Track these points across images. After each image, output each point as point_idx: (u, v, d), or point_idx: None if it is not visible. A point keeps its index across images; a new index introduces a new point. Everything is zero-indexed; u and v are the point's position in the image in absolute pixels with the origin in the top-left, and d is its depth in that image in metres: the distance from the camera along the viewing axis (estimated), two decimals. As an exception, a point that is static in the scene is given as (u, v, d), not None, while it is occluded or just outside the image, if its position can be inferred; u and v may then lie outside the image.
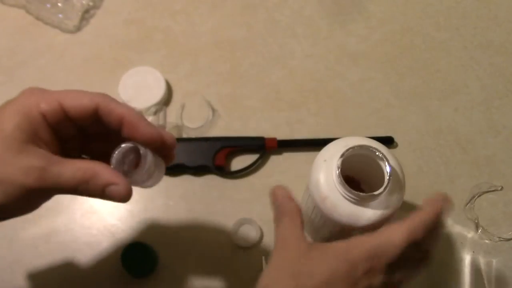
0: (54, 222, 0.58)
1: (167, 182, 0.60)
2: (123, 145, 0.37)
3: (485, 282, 0.57)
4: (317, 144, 0.58)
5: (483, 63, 0.69)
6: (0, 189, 0.33)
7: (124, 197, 0.36)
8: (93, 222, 0.58)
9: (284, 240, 0.39)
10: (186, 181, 0.61)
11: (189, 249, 0.57)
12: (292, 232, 0.39)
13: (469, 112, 0.66)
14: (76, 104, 0.36)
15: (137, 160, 0.37)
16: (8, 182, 0.33)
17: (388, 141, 0.63)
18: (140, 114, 0.38)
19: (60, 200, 0.58)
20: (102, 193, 0.35)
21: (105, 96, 0.37)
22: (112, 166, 0.36)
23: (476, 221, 0.59)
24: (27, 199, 0.34)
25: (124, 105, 0.38)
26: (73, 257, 0.56)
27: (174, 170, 0.60)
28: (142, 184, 0.38)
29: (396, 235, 0.36)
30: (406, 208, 0.59)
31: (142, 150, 0.36)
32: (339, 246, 0.37)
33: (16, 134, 0.34)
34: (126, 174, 0.36)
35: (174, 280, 0.56)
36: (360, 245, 0.37)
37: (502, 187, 0.61)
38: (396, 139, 0.63)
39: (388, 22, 0.72)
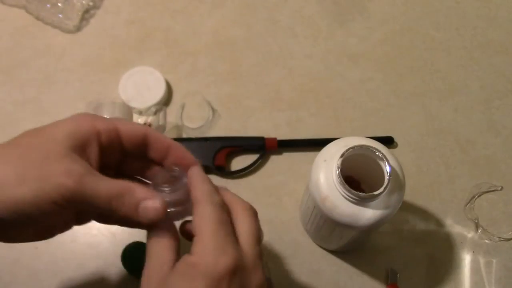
0: (54, 222, 0.58)
1: (167, 182, 0.60)
2: (164, 170, 0.40)
3: (485, 282, 0.57)
4: (317, 144, 0.58)
5: (483, 63, 0.69)
6: (39, 185, 0.33)
7: (158, 212, 0.36)
8: (93, 222, 0.58)
9: (149, 265, 0.38)
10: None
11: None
12: (157, 258, 0.38)
13: (469, 112, 0.66)
14: (130, 129, 0.39)
15: (173, 185, 0.39)
16: (47, 180, 0.33)
17: (388, 141, 0.63)
18: (182, 146, 0.41)
19: (60, 200, 0.59)
20: (136, 208, 0.36)
21: (149, 127, 0.43)
22: (151, 188, 0.38)
23: (476, 221, 0.59)
24: (58, 208, 0.34)
25: (167, 136, 0.42)
26: (73, 257, 0.56)
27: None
28: (176, 208, 0.39)
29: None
30: (406, 208, 0.59)
31: (184, 178, 0.39)
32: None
33: (65, 141, 0.35)
34: (164, 195, 0.38)
35: (174, 280, 0.56)
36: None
37: (502, 187, 0.61)
38: (396, 139, 0.63)
39: (388, 22, 0.72)
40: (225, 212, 0.38)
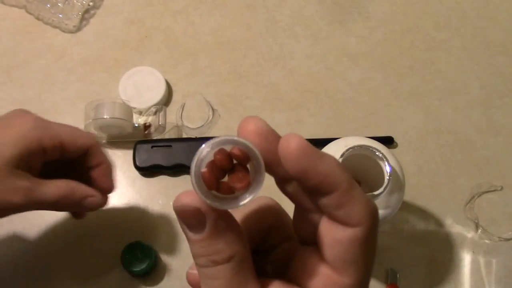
0: (54, 222, 0.58)
1: (167, 182, 0.61)
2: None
3: (485, 282, 0.57)
4: (317, 144, 0.57)
5: (483, 63, 0.69)
6: None
7: (101, 205, 0.46)
8: (93, 222, 0.58)
9: None
10: (186, 181, 0.61)
11: (189, 249, 0.57)
12: None
13: (469, 112, 0.66)
14: (74, 144, 0.44)
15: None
16: None
17: (388, 141, 0.63)
18: (110, 169, 0.48)
19: (60, 200, 0.59)
20: (79, 204, 0.44)
21: (95, 140, 0.46)
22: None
23: (476, 221, 0.59)
24: (12, 213, 0.41)
25: (105, 155, 0.48)
26: (73, 257, 0.56)
27: (174, 170, 0.60)
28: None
29: None
30: (406, 208, 0.59)
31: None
32: None
33: (11, 161, 0.39)
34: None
35: (174, 280, 0.56)
36: None
37: (502, 187, 0.61)
38: (396, 139, 0.63)
39: (388, 22, 0.72)
40: None
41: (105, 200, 0.47)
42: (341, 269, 0.23)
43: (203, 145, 0.22)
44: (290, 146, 0.22)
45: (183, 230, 0.24)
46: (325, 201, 0.23)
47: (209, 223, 0.22)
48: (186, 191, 0.23)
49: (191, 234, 0.23)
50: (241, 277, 0.23)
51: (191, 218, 0.23)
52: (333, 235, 0.23)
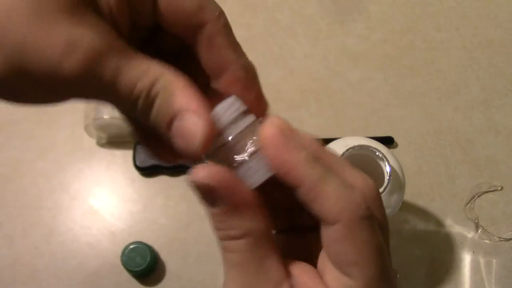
0: (54, 222, 0.58)
1: (167, 182, 0.60)
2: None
3: (485, 282, 0.57)
4: (317, 144, 0.58)
5: (483, 63, 0.69)
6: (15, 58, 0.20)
7: (200, 140, 0.21)
8: (93, 222, 0.58)
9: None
10: (186, 181, 0.61)
11: (189, 249, 0.57)
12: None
13: (469, 112, 0.66)
14: (176, 10, 0.23)
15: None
16: (34, 53, 0.20)
17: (388, 141, 0.63)
18: (250, 75, 0.26)
19: (60, 200, 0.59)
20: (168, 120, 0.22)
21: (222, 15, 0.24)
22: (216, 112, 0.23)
23: (476, 221, 0.59)
24: (51, 88, 0.21)
25: (237, 49, 0.26)
26: (73, 257, 0.56)
27: (174, 170, 0.60)
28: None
29: None
30: (406, 208, 0.59)
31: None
32: None
33: None
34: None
35: (174, 280, 0.56)
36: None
37: (502, 187, 0.61)
38: (396, 139, 0.63)
39: (388, 22, 0.72)
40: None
41: (208, 132, 0.21)
42: (343, 270, 0.22)
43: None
44: (268, 131, 0.22)
45: (203, 202, 0.23)
46: (298, 196, 0.22)
47: (223, 199, 0.22)
48: (202, 165, 0.22)
49: (209, 207, 0.23)
50: (258, 254, 0.23)
51: (207, 193, 0.22)
52: (323, 233, 0.22)
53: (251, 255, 0.22)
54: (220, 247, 0.24)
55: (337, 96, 0.66)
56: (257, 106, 0.25)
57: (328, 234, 0.22)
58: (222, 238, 0.23)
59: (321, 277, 0.23)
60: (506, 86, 0.68)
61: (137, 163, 0.60)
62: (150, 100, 0.21)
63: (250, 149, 0.23)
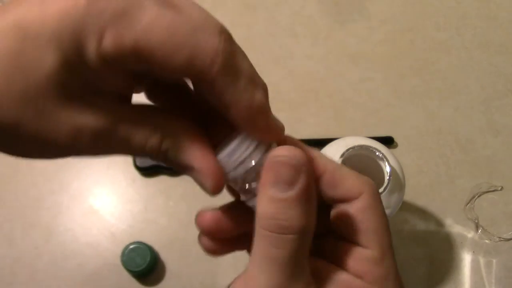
0: (54, 222, 0.58)
1: (167, 182, 0.60)
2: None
3: (485, 282, 0.57)
4: (317, 144, 0.58)
5: (483, 63, 0.69)
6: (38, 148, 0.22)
7: (209, 191, 0.24)
8: (93, 222, 0.58)
9: None
10: (186, 181, 0.60)
11: (189, 249, 0.57)
12: None
13: (469, 112, 0.66)
14: (167, 63, 0.21)
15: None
16: (47, 141, 0.21)
17: (388, 141, 0.63)
18: (259, 108, 0.24)
19: (60, 200, 0.59)
20: (182, 171, 0.24)
21: (217, 56, 0.22)
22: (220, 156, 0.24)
23: (476, 221, 0.59)
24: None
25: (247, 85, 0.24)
26: (73, 257, 0.56)
27: (174, 170, 0.60)
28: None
29: None
30: (406, 208, 0.59)
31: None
32: None
33: (62, 77, 0.20)
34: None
35: (174, 280, 0.56)
36: None
37: (502, 187, 0.61)
38: (396, 139, 0.63)
39: (388, 22, 0.72)
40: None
41: (217, 186, 0.24)
42: (366, 241, 0.24)
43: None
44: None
45: (263, 185, 0.22)
46: (321, 186, 0.25)
47: (302, 184, 0.22)
48: (287, 147, 0.23)
49: (274, 190, 0.22)
50: (303, 253, 0.22)
51: (287, 172, 0.22)
52: (350, 209, 0.24)
53: (297, 254, 0.22)
54: (259, 238, 0.22)
55: (337, 96, 0.66)
56: (267, 133, 0.24)
57: (355, 206, 0.24)
58: (273, 230, 0.22)
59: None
60: (506, 86, 0.68)
61: (137, 163, 0.60)
62: (162, 155, 0.23)
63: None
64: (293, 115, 0.65)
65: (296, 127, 0.64)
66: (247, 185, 0.24)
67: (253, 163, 0.24)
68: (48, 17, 0.20)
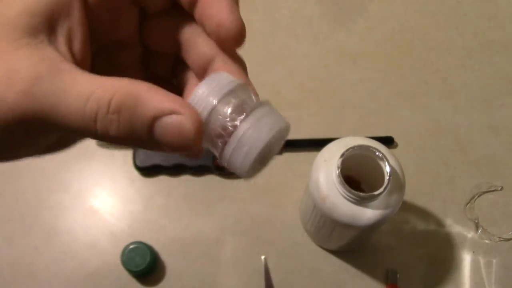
0: (54, 222, 0.58)
1: (167, 182, 0.60)
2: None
3: (485, 282, 0.57)
4: (317, 144, 0.58)
5: (483, 63, 0.69)
6: None
7: (190, 138, 0.20)
8: (93, 222, 0.58)
9: None
10: (186, 181, 0.61)
11: (189, 249, 0.57)
12: None
13: (469, 112, 0.66)
14: None
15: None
16: None
17: (388, 141, 0.63)
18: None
19: (60, 200, 0.59)
20: (148, 129, 0.20)
21: None
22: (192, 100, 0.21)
23: (476, 221, 0.59)
24: (14, 129, 0.20)
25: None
26: (73, 257, 0.56)
27: (174, 170, 0.60)
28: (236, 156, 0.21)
29: None
30: (406, 208, 0.59)
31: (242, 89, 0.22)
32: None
33: (22, 19, 0.20)
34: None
35: (174, 280, 0.56)
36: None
37: (502, 187, 0.61)
38: (396, 139, 0.63)
39: (388, 22, 0.72)
40: None
41: (197, 125, 0.20)
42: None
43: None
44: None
45: None
46: None
47: None
48: None
49: None
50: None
51: None
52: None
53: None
54: None
55: (337, 96, 0.66)
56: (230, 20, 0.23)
57: None
58: None
59: None
60: (506, 86, 0.68)
61: (137, 163, 0.60)
62: (111, 114, 0.19)
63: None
64: (293, 115, 0.65)
65: (296, 127, 0.64)
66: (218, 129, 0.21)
67: (214, 102, 0.21)
68: None
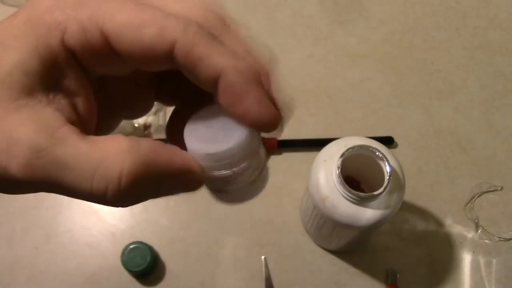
0: (54, 222, 0.58)
1: (167, 182, 0.60)
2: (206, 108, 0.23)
3: (485, 282, 0.57)
4: (317, 144, 0.58)
5: (483, 63, 0.69)
6: None
7: (195, 187, 0.22)
8: (93, 222, 0.58)
9: None
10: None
11: (189, 249, 0.57)
12: None
13: (469, 112, 0.66)
14: (132, 41, 0.19)
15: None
16: None
17: (388, 141, 0.63)
18: (257, 74, 0.22)
19: (60, 200, 0.59)
20: (159, 190, 0.21)
21: (189, 25, 0.20)
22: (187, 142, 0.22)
23: (476, 221, 0.59)
24: (15, 190, 0.20)
25: (226, 51, 0.22)
26: (73, 257, 0.56)
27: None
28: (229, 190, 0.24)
29: None
30: (406, 208, 0.59)
31: (245, 130, 0.22)
32: None
33: (15, 78, 0.19)
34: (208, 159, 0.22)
35: (174, 280, 0.56)
36: None
37: (502, 187, 0.61)
38: (396, 139, 0.63)
39: (388, 22, 0.72)
40: None
41: (200, 180, 0.23)
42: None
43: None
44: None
45: None
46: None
47: None
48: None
49: None
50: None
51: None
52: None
53: None
54: None
55: (337, 96, 0.66)
56: (258, 112, 0.21)
57: None
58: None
59: None
60: (506, 86, 0.68)
61: (137, 163, 0.60)
62: (123, 192, 0.19)
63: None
64: (293, 115, 0.65)
65: (296, 127, 0.64)
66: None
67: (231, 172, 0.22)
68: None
